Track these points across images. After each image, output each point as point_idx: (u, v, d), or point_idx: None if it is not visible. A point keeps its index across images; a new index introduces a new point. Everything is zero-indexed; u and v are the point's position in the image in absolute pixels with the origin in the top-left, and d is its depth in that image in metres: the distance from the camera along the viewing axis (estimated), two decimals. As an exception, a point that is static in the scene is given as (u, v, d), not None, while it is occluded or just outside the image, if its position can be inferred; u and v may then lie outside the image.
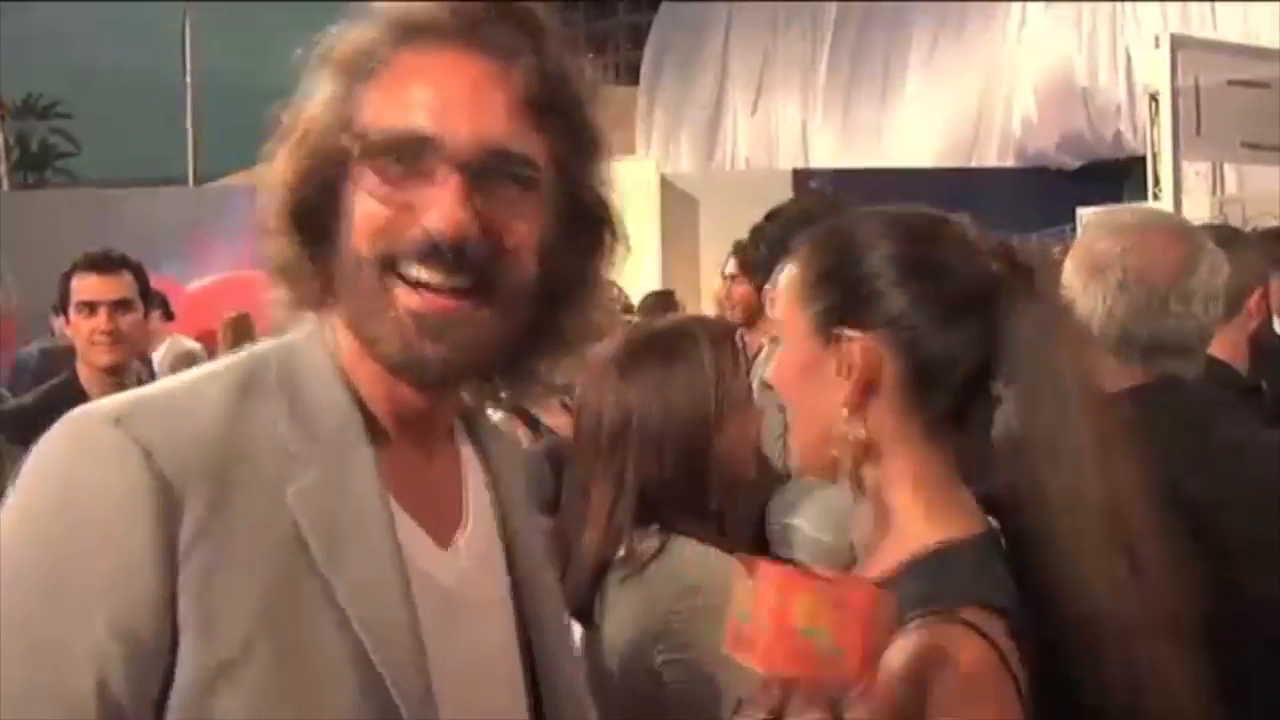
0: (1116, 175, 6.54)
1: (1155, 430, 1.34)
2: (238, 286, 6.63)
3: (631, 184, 8.43)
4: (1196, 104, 4.58)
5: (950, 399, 1.05)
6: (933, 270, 1.08)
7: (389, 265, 0.84)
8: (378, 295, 0.84)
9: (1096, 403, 1.06)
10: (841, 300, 1.06)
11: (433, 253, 0.83)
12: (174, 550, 0.79)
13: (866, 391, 1.04)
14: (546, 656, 0.96)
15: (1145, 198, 6.55)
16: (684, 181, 8.36)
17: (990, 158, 8.41)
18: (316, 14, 0.92)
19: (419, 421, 0.92)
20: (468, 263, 0.83)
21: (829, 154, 10.51)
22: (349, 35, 0.87)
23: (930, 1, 8.75)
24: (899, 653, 0.95)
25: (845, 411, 1.04)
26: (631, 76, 15.67)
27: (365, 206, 0.85)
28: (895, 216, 1.12)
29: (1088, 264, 1.55)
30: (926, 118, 9.21)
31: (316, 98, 0.86)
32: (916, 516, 1.06)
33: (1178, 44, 4.65)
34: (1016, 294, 1.08)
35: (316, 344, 0.90)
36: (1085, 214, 5.57)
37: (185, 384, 0.89)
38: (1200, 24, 6.38)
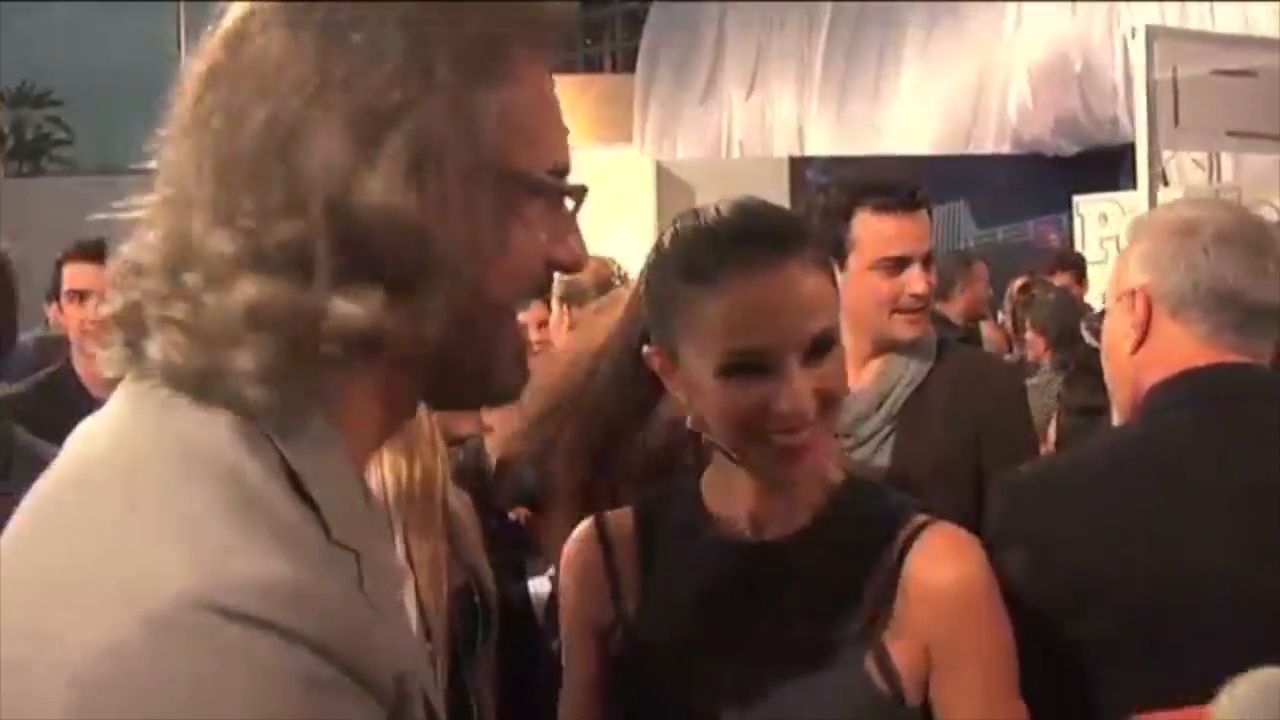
0: (1113, 161, 6.52)
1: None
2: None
3: (628, 172, 8.45)
4: (1175, 94, 4.63)
5: None
6: None
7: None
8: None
9: None
10: None
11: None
12: None
13: None
14: None
15: (1135, 185, 6.54)
16: (680, 169, 8.34)
17: (987, 145, 8.40)
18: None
19: (372, 453, 0.85)
20: None
21: (824, 144, 10.49)
22: None
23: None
24: None
25: None
26: (629, 65, 15.62)
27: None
28: None
29: (1172, 227, 1.43)
30: (922, 106, 9.21)
31: None
32: None
33: (1153, 34, 4.71)
34: None
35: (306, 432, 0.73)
36: (1081, 200, 5.60)
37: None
38: (1199, 14, 6.37)
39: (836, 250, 2.09)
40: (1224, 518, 1.32)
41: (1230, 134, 4.90)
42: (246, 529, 0.67)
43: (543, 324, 3.68)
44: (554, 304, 3.38)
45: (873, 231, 2.10)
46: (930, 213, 2.18)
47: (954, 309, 5.07)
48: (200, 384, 0.71)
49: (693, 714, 1.20)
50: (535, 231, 0.78)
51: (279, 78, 0.72)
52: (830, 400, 1.16)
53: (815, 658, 1.17)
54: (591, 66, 18.86)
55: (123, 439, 0.73)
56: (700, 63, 13.50)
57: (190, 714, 0.62)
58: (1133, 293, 1.42)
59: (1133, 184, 6.45)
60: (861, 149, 9.49)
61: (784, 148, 11.00)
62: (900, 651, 1.17)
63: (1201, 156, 6.17)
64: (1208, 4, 6.05)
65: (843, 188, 2.20)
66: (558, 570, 1.41)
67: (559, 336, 3.36)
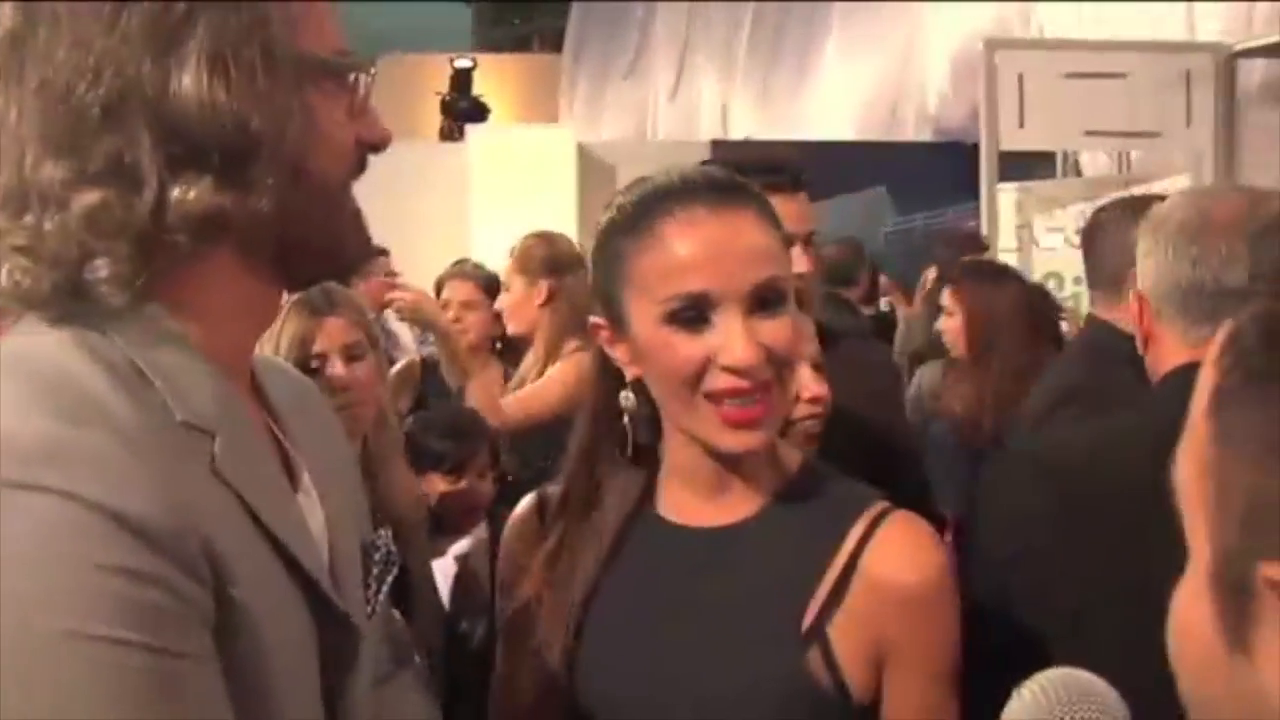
0: (1029, 154, 6.63)
1: None
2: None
3: (548, 152, 8.38)
4: (1020, 98, 5.05)
5: None
6: None
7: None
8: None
9: None
10: None
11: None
12: None
13: None
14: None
15: (1054, 174, 6.69)
16: (602, 150, 8.32)
17: (908, 132, 8.48)
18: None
19: (242, 354, 0.92)
20: None
21: (748, 127, 10.52)
22: None
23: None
24: None
25: None
26: (555, 45, 15.55)
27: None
28: None
29: (1152, 225, 1.43)
30: (845, 93, 9.27)
31: None
32: None
33: (993, 46, 5.21)
34: None
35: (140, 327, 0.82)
36: (997, 188, 5.72)
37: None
38: (1097, 12, 6.51)
39: None
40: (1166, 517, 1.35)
41: (1089, 133, 5.32)
42: (35, 408, 0.75)
43: (466, 304, 3.65)
44: (512, 279, 3.36)
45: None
46: (809, 195, 2.20)
47: (855, 294, 5.19)
48: (54, 301, 0.80)
49: (627, 701, 1.19)
50: (336, 111, 0.88)
51: (73, 17, 0.79)
52: (780, 363, 1.14)
53: (754, 648, 1.15)
54: (519, 46, 18.74)
55: None
56: (626, 44, 13.48)
57: None
58: (1137, 297, 1.45)
59: (1047, 173, 6.60)
60: (784, 133, 9.53)
61: (708, 131, 11.02)
62: (848, 644, 1.15)
63: (1115, 150, 6.35)
64: (1113, 4, 6.28)
65: (726, 168, 2.22)
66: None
67: (529, 311, 3.32)
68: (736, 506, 1.21)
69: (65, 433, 0.75)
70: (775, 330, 1.13)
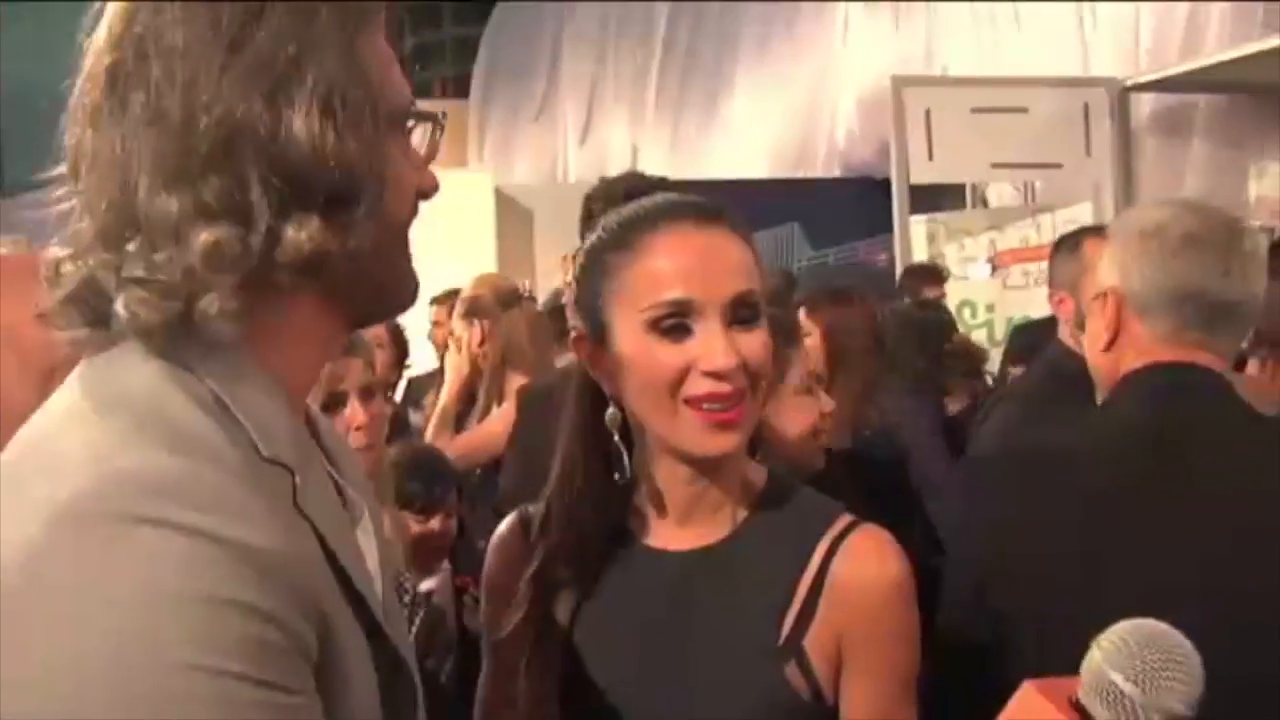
0: (936, 186, 6.78)
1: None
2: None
3: (467, 196, 8.36)
4: (928, 133, 5.25)
5: None
6: None
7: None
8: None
9: None
10: None
11: None
12: None
13: None
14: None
15: (964, 206, 6.84)
16: (519, 194, 8.34)
17: (817, 169, 8.63)
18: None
19: (309, 387, 0.94)
20: None
21: (658, 167, 10.61)
22: None
23: (759, 2, 8.92)
24: None
25: None
26: (459, 91, 15.54)
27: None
28: None
29: (1138, 228, 1.49)
30: (754, 132, 9.41)
31: None
32: None
33: (900, 83, 5.36)
34: None
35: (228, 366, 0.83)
36: (910, 220, 5.85)
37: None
38: (1007, 37, 6.70)
39: None
40: (1153, 509, 1.38)
41: (995, 165, 5.52)
42: (150, 442, 0.77)
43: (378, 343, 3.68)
44: (456, 321, 3.41)
45: None
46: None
47: None
48: (166, 333, 0.81)
49: (615, 718, 1.21)
50: (407, 161, 0.91)
51: (185, 55, 0.82)
52: (754, 375, 1.19)
53: (735, 666, 1.19)
54: (421, 92, 18.75)
55: (65, 397, 0.83)
56: (535, 87, 13.53)
57: (75, 601, 0.71)
58: (1104, 294, 1.50)
59: (957, 205, 6.75)
60: (696, 173, 9.64)
61: (618, 171, 11.08)
62: (822, 653, 1.20)
63: (1019, 181, 6.54)
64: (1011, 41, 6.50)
65: (609, 194, 2.33)
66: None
67: (469, 351, 3.36)
68: (709, 528, 1.25)
69: (182, 466, 0.76)
70: (751, 342, 1.19)
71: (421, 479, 2.44)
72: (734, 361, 1.17)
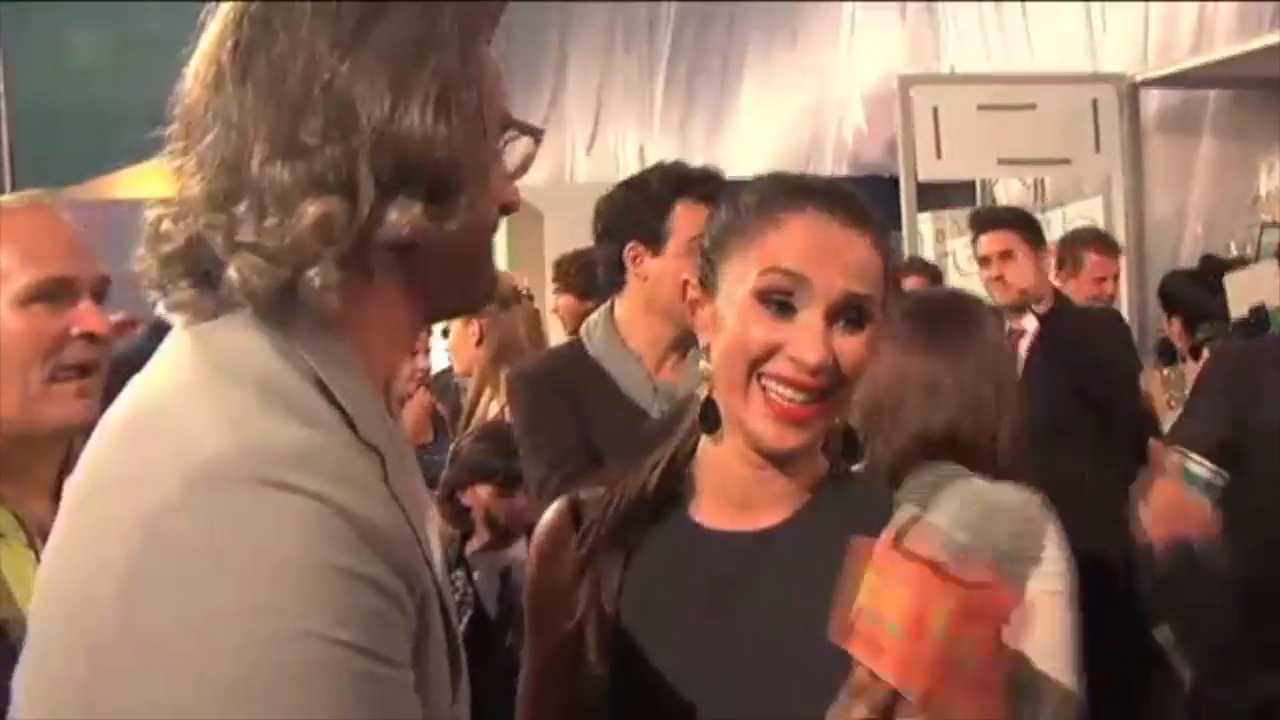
0: (945, 184, 6.76)
1: None
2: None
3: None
4: (935, 131, 5.30)
5: None
6: None
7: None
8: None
9: None
10: None
11: None
12: None
13: None
14: None
15: (973, 202, 6.85)
16: (529, 195, 8.33)
17: (826, 167, 8.62)
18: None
19: (390, 373, 0.96)
20: None
21: (668, 167, 10.60)
22: None
23: (765, 2, 8.92)
24: None
25: None
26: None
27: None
28: None
29: None
30: (762, 131, 9.40)
31: None
32: None
33: (907, 82, 5.37)
34: None
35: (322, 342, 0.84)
36: (920, 218, 5.85)
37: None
38: (1017, 35, 6.69)
39: (654, 239, 2.23)
40: None
41: (1002, 161, 5.54)
42: (278, 413, 0.79)
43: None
44: (451, 322, 3.47)
45: (692, 216, 2.23)
46: None
47: None
48: (273, 300, 0.82)
49: (674, 709, 1.19)
50: (501, 169, 0.95)
51: (312, 33, 0.84)
52: (842, 378, 1.18)
53: (795, 654, 1.17)
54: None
55: (181, 363, 0.85)
56: (542, 88, 13.54)
57: (208, 560, 0.73)
58: None
59: (965, 203, 6.75)
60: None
61: (627, 172, 11.09)
62: None
63: (1028, 178, 6.53)
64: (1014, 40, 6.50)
65: (665, 179, 2.37)
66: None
67: (467, 352, 3.40)
68: (769, 511, 1.24)
69: (312, 438, 0.78)
70: (850, 345, 1.18)
71: (502, 455, 2.53)
72: (824, 356, 1.15)
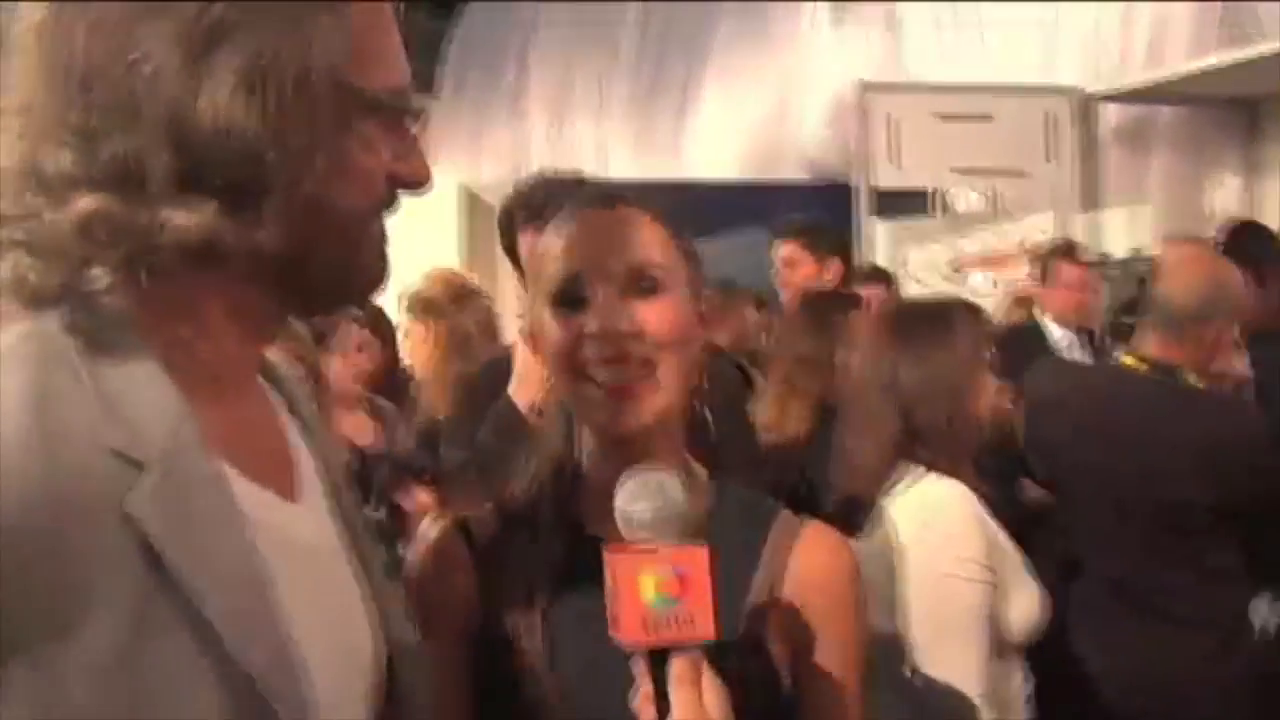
0: (902, 192, 6.82)
1: None
2: None
3: (433, 194, 8.38)
4: (892, 139, 5.37)
5: None
6: None
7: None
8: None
9: None
10: None
11: None
12: None
13: None
14: (379, 592, 0.95)
15: (927, 211, 6.90)
16: (485, 191, 8.31)
17: (787, 172, 8.65)
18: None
19: (241, 366, 0.86)
20: None
21: (627, 168, 10.60)
22: None
23: (729, 2, 8.95)
24: None
25: None
26: (424, 88, 15.48)
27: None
28: None
29: None
30: (724, 133, 9.42)
31: None
32: None
33: (866, 89, 5.41)
34: None
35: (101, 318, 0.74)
36: (878, 225, 5.88)
37: None
38: (970, 45, 6.75)
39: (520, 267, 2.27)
40: None
41: (955, 170, 5.61)
42: None
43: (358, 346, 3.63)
44: (402, 316, 3.42)
45: (529, 247, 2.23)
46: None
47: (721, 337, 5.27)
48: (44, 301, 0.73)
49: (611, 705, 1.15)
50: (375, 148, 0.83)
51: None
52: (660, 345, 1.18)
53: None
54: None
55: None
56: (503, 86, 13.49)
57: None
58: None
59: (919, 211, 6.81)
60: (665, 173, 9.62)
61: (587, 170, 11.05)
62: (779, 644, 1.22)
63: (983, 188, 6.60)
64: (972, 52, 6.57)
65: (512, 203, 2.45)
66: None
67: (422, 351, 3.36)
68: None
69: None
70: (650, 310, 1.19)
71: (435, 452, 2.53)
72: (619, 325, 1.17)
